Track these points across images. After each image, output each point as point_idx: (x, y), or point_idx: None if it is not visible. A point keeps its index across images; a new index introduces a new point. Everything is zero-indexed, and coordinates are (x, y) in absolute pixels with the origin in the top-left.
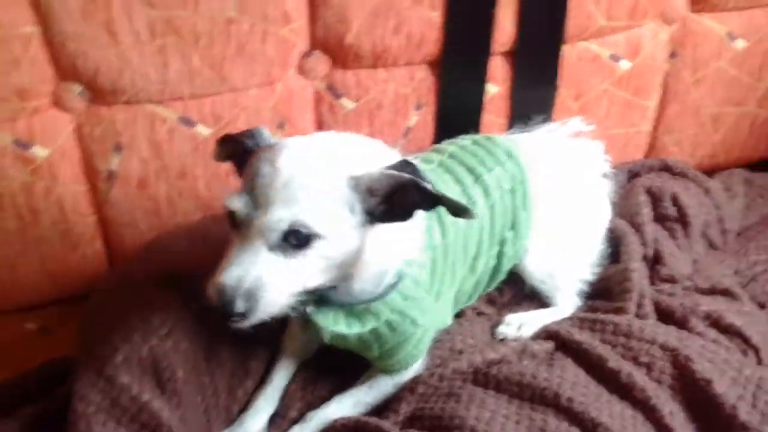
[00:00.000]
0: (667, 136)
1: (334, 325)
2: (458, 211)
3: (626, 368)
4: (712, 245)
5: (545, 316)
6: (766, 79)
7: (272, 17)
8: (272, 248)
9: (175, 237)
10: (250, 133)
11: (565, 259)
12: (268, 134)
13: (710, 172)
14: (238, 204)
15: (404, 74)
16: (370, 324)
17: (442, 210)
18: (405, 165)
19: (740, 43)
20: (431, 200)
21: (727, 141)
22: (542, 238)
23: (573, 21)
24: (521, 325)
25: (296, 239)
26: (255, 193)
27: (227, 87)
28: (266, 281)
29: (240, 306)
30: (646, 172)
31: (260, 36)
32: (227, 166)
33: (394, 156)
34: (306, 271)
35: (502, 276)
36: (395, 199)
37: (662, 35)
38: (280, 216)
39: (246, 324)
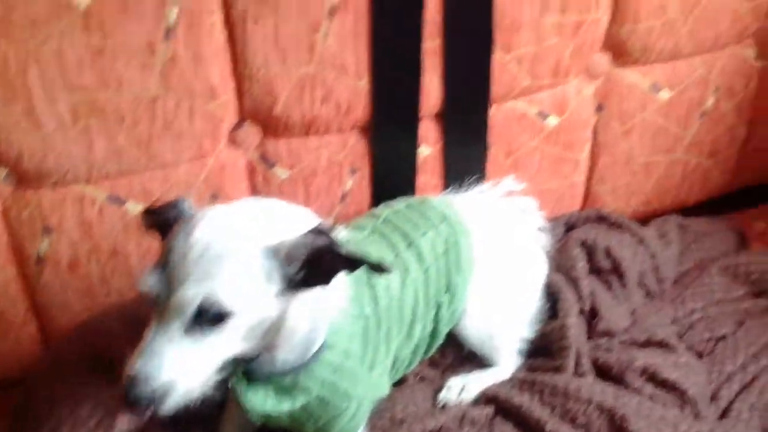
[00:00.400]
0: (601, 186)
1: (263, 404)
2: (376, 269)
3: (564, 431)
4: (649, 294)
5: (487, 377)
6: (692, 127)
7: (198, 93)
8: (188, 329)
9: (108, 317)
10: (173, 204)
11: (503, 320)
12: (189, 205)
13: (646, 218)
14: (151, 282)
15: (336, 141)
16: (300, 400)
17: (373, 278)
18: (320, 230)
19: (665, 94)
20: (348, 262)
21: (659, 188)
22: (479, 299)
23: (498, 82)
24: (463, 388)
25: (211, 316)
26: (168, 269)
27: (156, 163)
28: (177, 376)
29: (149, 403)
30: (582, 223)
31: (187, 112)
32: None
33: (316, 221)
34: (224, 347)
35: (440, 340)
36: (314, 264)
37: (587, 90)
38: (193, 293)
39: (159, 413)
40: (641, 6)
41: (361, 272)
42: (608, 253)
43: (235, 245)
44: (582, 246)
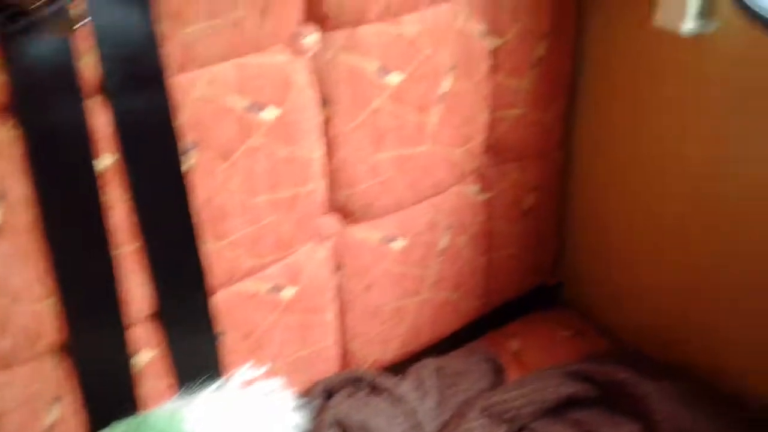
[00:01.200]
0: (354, 342)
1: None
2: None
3: None
4: None
5: None
6: (432, 267)
7: None
8: None
9: None
10: None
11: None
12: None
13: (407, 359)
14: None
15: (27, 372)
16: None
17: None
18: None
19: (398, 243)
20: None
21: (413, 329)
22: None
23: (216, 270)
24: None
25: None
26: None
27: None
28: None
29: None
30: (339, 387)
31: None
32: None
33: None
34: None
35: None
36: None
37: (320, 254)
38: None
39: None
40: (352, 172)
41: None
42: (363, 428)
43: None
44: (336, 426)
